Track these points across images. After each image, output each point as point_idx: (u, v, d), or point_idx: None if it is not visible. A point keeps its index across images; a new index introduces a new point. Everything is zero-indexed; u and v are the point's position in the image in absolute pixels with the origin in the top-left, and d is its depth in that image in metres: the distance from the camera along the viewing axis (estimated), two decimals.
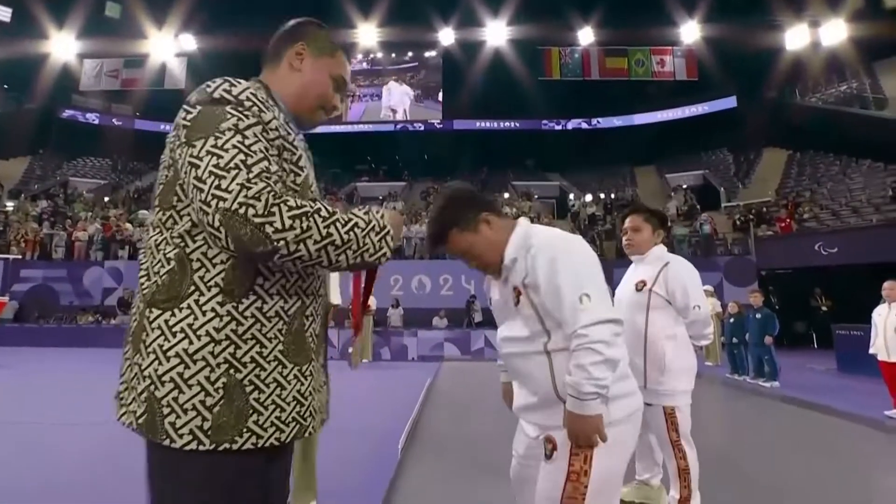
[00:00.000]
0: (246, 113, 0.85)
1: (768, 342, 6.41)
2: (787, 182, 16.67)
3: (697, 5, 19.17)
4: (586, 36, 20.48)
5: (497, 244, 1.30)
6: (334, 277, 2.59)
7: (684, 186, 18.52)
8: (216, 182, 0.79)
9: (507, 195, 19.80)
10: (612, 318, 1.13)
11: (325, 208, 0.84)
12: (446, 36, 21.04)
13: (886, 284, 4.48)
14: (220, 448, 0.82)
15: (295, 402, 0.89)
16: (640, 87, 21.51)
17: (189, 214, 0.86)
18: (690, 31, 19.90)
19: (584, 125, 23.40)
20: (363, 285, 1.09)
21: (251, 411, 0.84)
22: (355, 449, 3.27)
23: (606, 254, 13.85)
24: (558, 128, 23.47)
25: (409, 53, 23.08)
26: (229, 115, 0.84)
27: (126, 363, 0.88)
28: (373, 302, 9.15)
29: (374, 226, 0.89)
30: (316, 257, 0.83)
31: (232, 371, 0.83)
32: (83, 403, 4.89)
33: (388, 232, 0.91)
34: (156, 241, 0.88)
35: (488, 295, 1.44)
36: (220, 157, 0.80)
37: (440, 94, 22.78)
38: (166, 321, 0.84)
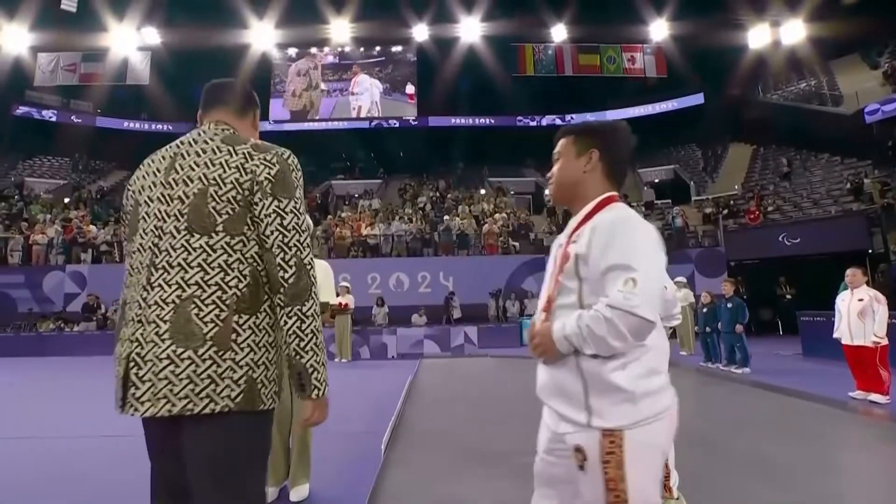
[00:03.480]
0: (300, 181, 1.22)
1: (739, 330, 6.63)
2: (752, 176, 17.29)
3: (666, 4, 19.62)
4: (559, 33, 20.69)
5: (581, 183, 1.28)
6: (330, 278, 2.68)
7: (656, 181, 19.00)
8: (297, 237, 1.13)
9: (483, 191, 19.88)
10: (643, 316, 1.04)
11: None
12: (420, 32, 20.89)
13: (849, 272, 4.67)
14: (272, 407, 1.15)
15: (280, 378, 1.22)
16: (612, 83, 21.90)
17: (254, 241, 1.13)
18: (659, 29, 20.37)
19: (559, 121, 23.65)
20: None
21: (280, 378, 1.18)
22: (339, 449, 3.21)
23: None
24: (533, 124, 23.67)
25: (377, 48, 22.79)
26: (296, 183, 1.19)
27: (206, 363, 1.05)
28: (350, 301, 9.01)
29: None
30: (309, 298, 1.15)
31: (278, 353, 1.16)
32: (44, 415, 4.65)
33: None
34: (224, 260, 1.10)
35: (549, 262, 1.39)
36: (298, 217, 1.15)
37: (407, 87, 22.57)
38: (255, 322, 1.11)
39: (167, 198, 1.13)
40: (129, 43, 20.19)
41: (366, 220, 15.50)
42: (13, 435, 3.77)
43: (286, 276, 1.09)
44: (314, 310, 1.12)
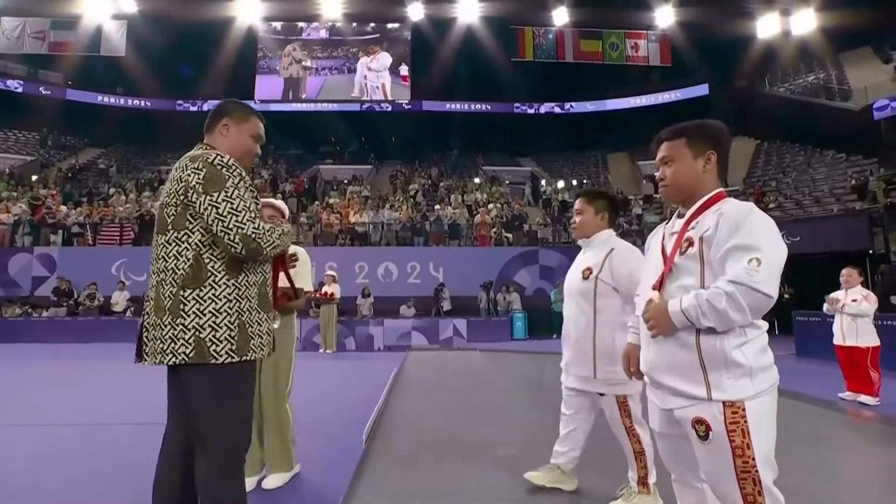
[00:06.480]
0: (234, 172, 1.52)
1: None
2: (755, 171, 17.50)
3: None
4: (560, 16, 20.61)
5: (699, 183, 1.40)
6: (306, 265, 2.72)
7: (655, 174, 19.10)
8: (234, 218, 1.46)
9: (477, 180, 19.90)
10: (765, 291, 1.18)
11: (272, 226, 1.55)
12: (415, 10, 20.67)
13: (844, 271, 4.80)
14: (242, 360, 1.49)
15: (266, 334, 1.59)
16: (613, 71, 21.92)
17: (197, 231, 1.49)
18: (665, 16, 20.37)
19: (557, 109, 23.69)
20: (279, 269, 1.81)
21: (251, 339, 1.52)
22: (321, 440, 3.27)
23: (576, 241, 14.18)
24: (531, 111, 23.66)
25: (371, 24, 22.52)
26: (227, 176, 1.50)
27: (167, 328, 1.45)
28: (336, 290, 9.04)
29: (286, 232, 1.63)
30: (268, 254, 1.54)
31: (240, 316, 1.50)
32: (15, 403, 4.65)
33: (290, 233, 1.68)
34: (176, 250, 1.49)
35: (648, 252, 1.53)
36: (231, 202, 1.47)
37: (401, 68, 22.42)
38: (198, 294, 1.47)
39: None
40: (103, 10, 19.73)
41: (354, 206, 15.47)
42: None
43: (237, 250, 1.47)
44: (272, 246, 1.53)
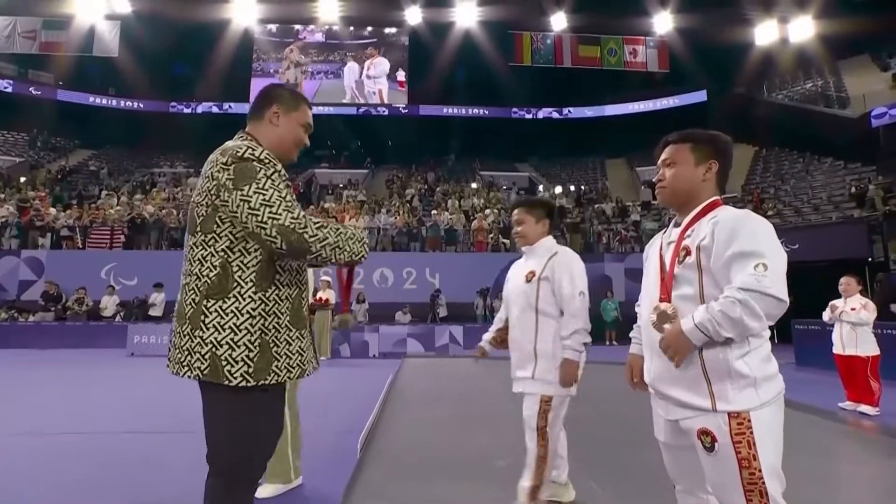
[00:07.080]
0: (267, 165, 1.37)
1: None
2: (753, 178, 17.65)
3: None
4: (559, 21, 20.79)
5: (696, 190, 1.42)
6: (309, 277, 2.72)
7: (653, 180, 19.25)
8: (268, 209, 1.31)
9: (474, 185, 19.94)
10: (777, 295, 1.18)
11: (328, 223, 1.39)
12: (413, 15, 20.79)
13: (843, 280, 4.83)
14: (259, 384, 1.34)
15: (297, 354, 1.43)
16: (611, 77, 22.10)
17: (226, 236, 1.36)
18: (663, 22, 20.59)
19: (555, 115, 23.83)
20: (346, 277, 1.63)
21: (274, 361, 1.37)
22: (316, 448, 3.24)
23: (574, 247, 14.23)
24: (528, 116, 23.79)
25: (369, 28, 22.63)
26: (258, 168, 1.35)
27: (185, 338, 1.35)
28: (332, 296, 9.01)
29: (355, 236, 1.44)
30: (326, 255, 1.36)
31: (263, 335, 1.35)
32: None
33: (364, 240, 1.48)
34: (202, 254, 1.37)
35: (646, 262, 1.52)
36: (263, 193, 1.32)
37: (399, 73, 22.52)
38: (220, 306, 1.34)
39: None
40: (96, 11, 19.72)
41: (350, 211, 15.46)
42: None
43: (276, 245, 1.31)
44: (324, 243, 1.34)
